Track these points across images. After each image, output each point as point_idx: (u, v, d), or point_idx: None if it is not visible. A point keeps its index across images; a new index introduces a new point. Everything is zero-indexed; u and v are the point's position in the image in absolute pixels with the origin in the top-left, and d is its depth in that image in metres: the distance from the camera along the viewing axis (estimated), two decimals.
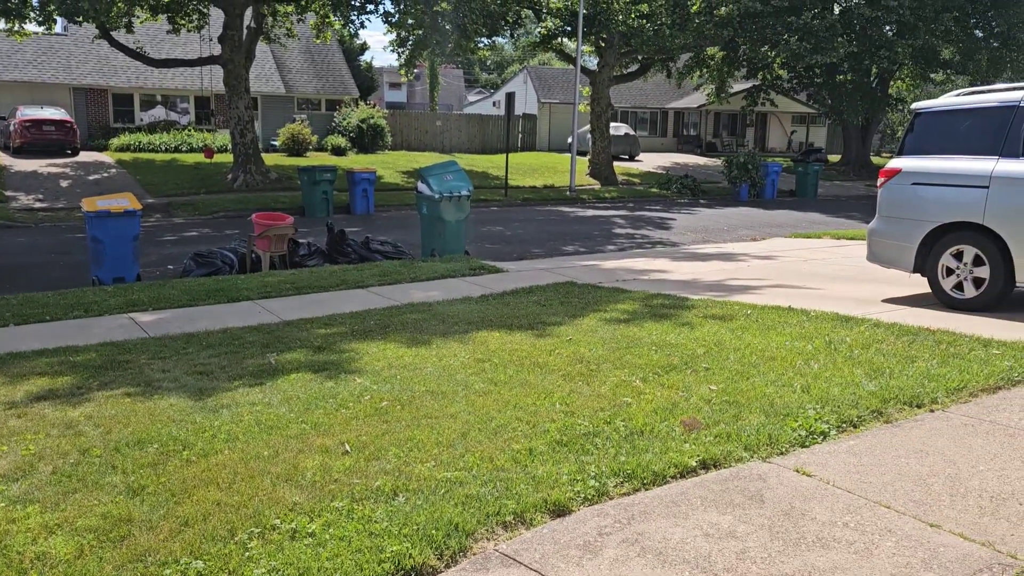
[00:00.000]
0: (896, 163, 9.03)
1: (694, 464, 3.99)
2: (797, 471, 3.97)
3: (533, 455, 4.12)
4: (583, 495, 3.66)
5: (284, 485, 3.79)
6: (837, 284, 10.06)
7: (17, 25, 20.99)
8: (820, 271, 11.37)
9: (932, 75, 35.05)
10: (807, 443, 4.35)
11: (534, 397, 5.13)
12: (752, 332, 6.90)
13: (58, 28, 24.72)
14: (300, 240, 12.71)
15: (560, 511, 3.54)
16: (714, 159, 38.59)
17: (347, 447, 4.28)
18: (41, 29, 21.88)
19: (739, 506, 3.58)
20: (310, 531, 3.31)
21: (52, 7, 19.48)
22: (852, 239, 15.31)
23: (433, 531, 3.27)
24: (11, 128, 27.39)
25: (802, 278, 10.63)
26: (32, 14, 20.50)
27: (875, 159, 40.08)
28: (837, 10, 29.49)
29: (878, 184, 9.26)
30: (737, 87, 37.72)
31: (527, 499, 3.57)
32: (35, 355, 6.79)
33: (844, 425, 4.61)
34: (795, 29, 26.33)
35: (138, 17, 23.13)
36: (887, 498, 3.69)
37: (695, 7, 25.75)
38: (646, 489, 3.75)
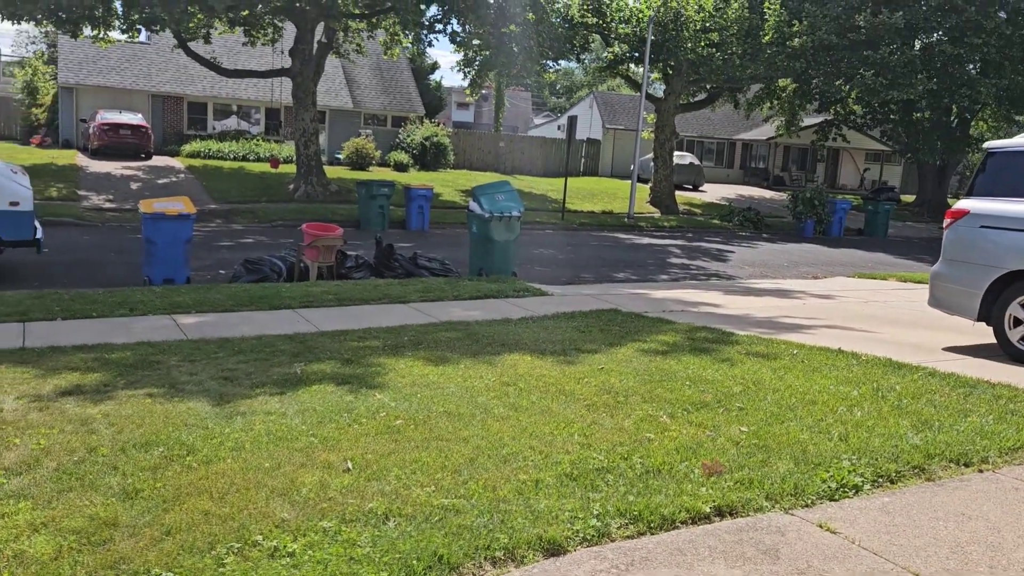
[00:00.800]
0: (964, 204, 8.57)
1: (708, 510, 3.74)
2: (821, 526, 3.68)
3: (539, 487, 3.92)
4: (582, 534, 3.44)
5: (277, 500, 3.68)
6: (896, 328, 9.58)
7: (102, 32, 21.87)
8: (879, 314, 10.88)
9: (1018, 116, 33.69)
10: (836, 496, 4.05)
11: (553, 426, 4.93)
12: (795, 373, 6.56)
13: (141, 37, 25.69)
14: (349, 252, 12.77)
15: (555, 550, 3.33)
16: (780, 193, 37.76)
17: (349, 464, 4.15)
18: (124, 37, 22.75)
19: (750, 560, 3.32)
20: (290, 551, 3.18)
21: (135, 16, 20.24)
22: (919, 282, 14.66)
23: (415, 562, 3.10)
24: (90, 130, 28.51)
25: (859, 320, 10.17)
26: (116, 23, 21.33)
27: (952, 201, 38.63)
28: (917, 45, 28.65)
29: (944, 226, 8.80)
30: (808, 120, 36.93)
31: (522, 534, 3.37)
32: (74, 350, 6.89)
33: (880, 480, 4.29)
34: (871, 63, 25.63)
35: (216, 29, 23.86)
36: (917, 564, 3.37)
37: (767, 37, 25.31)
38: (652, 534, 3.52)
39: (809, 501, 3.97)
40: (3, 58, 55.58)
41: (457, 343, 7.60)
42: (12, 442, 4.39)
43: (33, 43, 57.26)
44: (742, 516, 3.76)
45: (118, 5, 20.27)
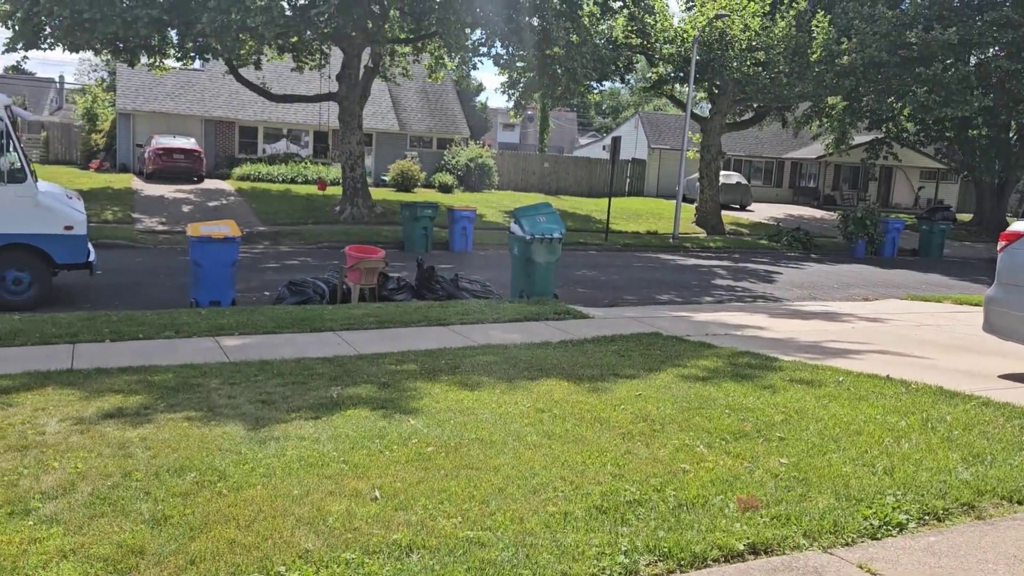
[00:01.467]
0: (1020, 225, 8.27)
1: (742, 548, 3.61)
2: (861, 567, 3.53)
3: (567, 520, 3.84)
4: (608, 571, 3.35)
5: (303, 529, 3.67)
6: (949, 354, 9.25)
7: (158, 60, 22.59)
8: (933, 338, 10.53)
9: None
10: (879, 535, 3.88)
11: (585, 455, 4.85)
12: (840, 401, 6.36)
13: (195, 64, 26.47)
14: (391, 274, 12.86)
15: None
16: (831, 213, 37.05)
17: (377, 493, 4.12)
18: (179, 65, 23.46)
19: None
20: None
21: (189, 45, 20.85)
22: (975, 305, 14.17)
23: None
24: (146, 155, 29.39)
25: (911, 345, 9.85)
26: (172, 51, 22.01)
27: (1011, 220, 37.45)
28: (972, 61, 27.97)
29: (999, 248, 8.49)
30: (859, 139, 36.25)
31: (546, 570, 3.30)
32: (119, 372, 7.03)
33: (926, 517, 4.10)
34: (924, 80, 25.08)
35: (266, 55, 24.45)
36: None
37: (815, 56, 24.96)
38: (682, 572, 3.41)
39: (849, 539, 3.81)
40: (66, 86, 57.78)
41: (494, 367, 7.55)
42: (51, 465, 4.47)
43: (94, 71, 59.45)
44: (778, 555, 3.63)
45: (173, 34, 20.92)
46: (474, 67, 26.30)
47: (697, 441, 5.21)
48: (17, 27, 18.82)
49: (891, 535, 3.90)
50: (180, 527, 3.66)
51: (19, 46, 19.11)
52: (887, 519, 4.02)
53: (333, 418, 5.65)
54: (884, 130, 31.46)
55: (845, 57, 24.32)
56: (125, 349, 8.08)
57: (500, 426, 5.47)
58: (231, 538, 3.54)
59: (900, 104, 27.53)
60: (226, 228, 11.28)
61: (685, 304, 14.32)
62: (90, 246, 11.65)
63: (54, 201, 11.30)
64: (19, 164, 10.82)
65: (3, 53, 19.88)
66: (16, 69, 22.49)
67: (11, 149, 10.76)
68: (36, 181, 11.12)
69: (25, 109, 11.56)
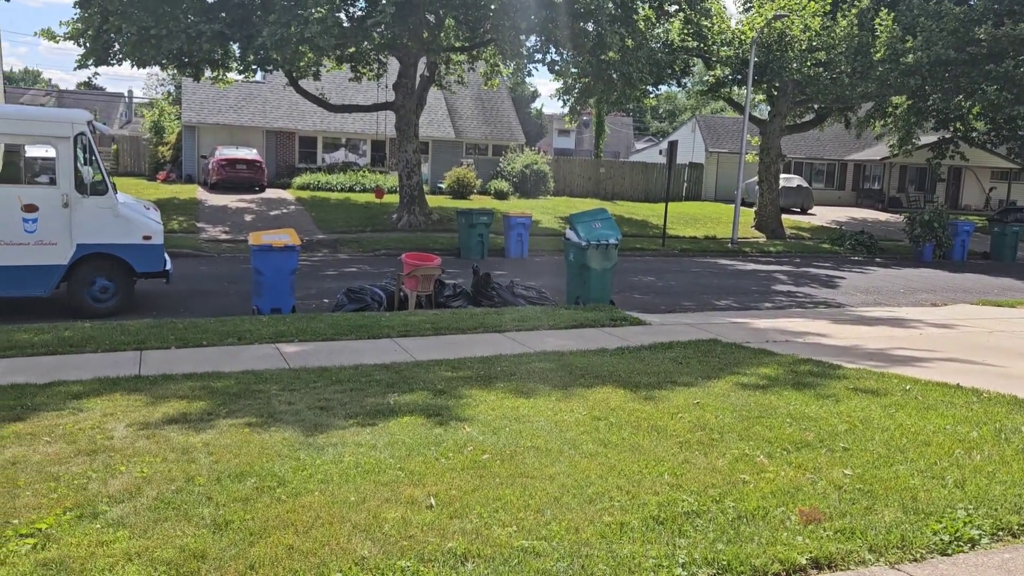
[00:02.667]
0: None
1: (804, 562, 3.51)
2: None
3: (623, 531, 3.79)
4: None
5: (359, 536, 3.70)
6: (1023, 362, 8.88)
7: (221, 74, 23.22)
8: (1006, 345, 10.12)
9: None
10: (949, 550, 3.73)
11: (642, 464, 4.78)
12: (907, 411, 6.15)
13: (257, 77, 27.13)
14: (447, 281, 12.95)
15: None
16: (897, 215, 36.00)
17: (432, 501, 4.13)
18: (241, 77, 24.08)
19: None
20: None
21: (250, 58, 21.38)
22: None
23: None
24: (210, 166, 30.24)
25: (982, 352, 9.49)
26: (234, 64, 22.61)
27: None
28: None
29: None
30: (925, 139, 35.14)
31: None
32: (183, 378, 7.22)
33: (1000, 533, 3.93)
34: (994, 78, 24.19)
35: (324, 67, 24.92)
36: None
37: (879, 55, 24.29)
38: None
39: (918, 555, 3.67)
40: (134, 100, 59.87)
41: (550, 374, 7.53)
42: (119, 470, 4.61)
43: (161, 85, 61.52)
44: (841, 569, 3.51)
45: (235, 48, 21.49)
46: (529, 74, 26.36)
47: (757, 451, 5.09)
48: (88, 44, 19.58)
49: (962, 551, 3.75)
50: (240, 532, 3.73)
51: (90, 62, 19.88)
52: (958, 534, 3.86)
53: (390, 424, 5.69)
54: (952, 130, 30.43)
55: (910, 56, 23.59)
56: (189, 356, 8.29)
57: (556, 434, 5.44)
58: (289, 544, 3.59)
59: (969, 103, 26.59)
60: (286, 237, 11.51)
61: (744, 310, 14.06)
62: (166, 255, 12.09)
63: (133, 212, 11.73)
64: (100, 177, 11.28)
65: (75, 69, 20.75)
66: (88, 85, 23.40)
67: (93, 163, 11.25)
68: (116, 193, 11.60)
69: (103, 124, 12.12)
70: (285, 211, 25.85)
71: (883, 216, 36.71)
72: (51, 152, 11.09)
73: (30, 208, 10.70)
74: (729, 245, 24.69)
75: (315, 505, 4.05)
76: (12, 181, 11.04)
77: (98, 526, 3.78)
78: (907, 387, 7.03)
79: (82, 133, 10.97)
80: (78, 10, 19.47)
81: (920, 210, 31.88)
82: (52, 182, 11.03)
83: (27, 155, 11.46)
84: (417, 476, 4.54)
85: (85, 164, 11.11)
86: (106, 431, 5.41)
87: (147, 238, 11.51)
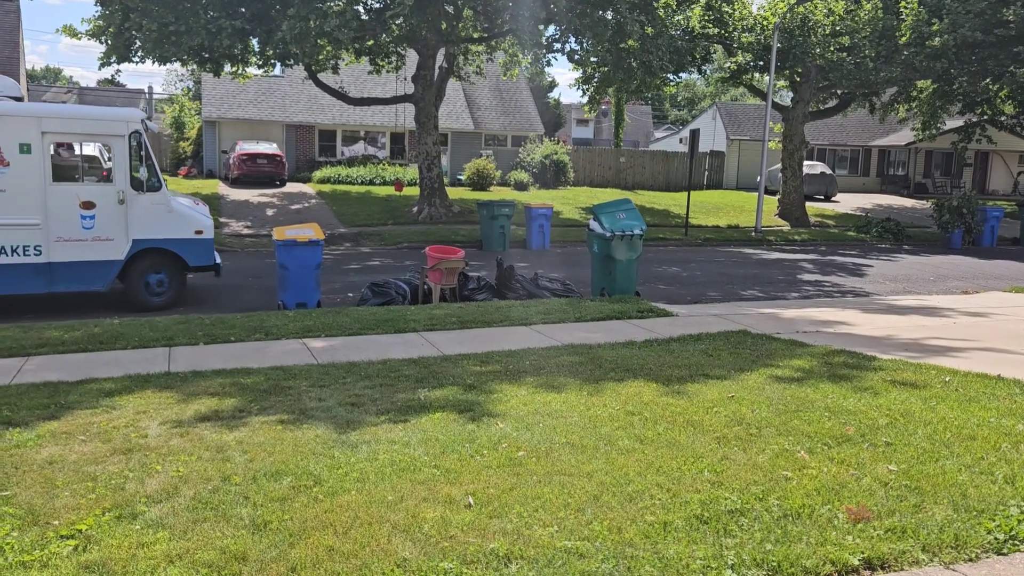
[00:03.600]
0: None
1: (856, 563, 3.42)
2: None
3: (667, 530, 3.71)
4: None
5: (399, 536, 3.65)
6: None
7: (241, 69, 23.25)
8: None
9: None
10: (1004, 550, 3.62)
11: (680, 461, 4.70)
12: (948, 404, 6.02)
13: (276, 71, 27.14)
14: (471, 274, 12.89)
15: None
16: (923, 202, 35.49)
17: (471, 500, 4.08)
18: (260, 72, 24.10)
19: None
20: None
21: (269, 52, 21.38)
22: None
23: None
24: (230, 161, 30.36)
25: (1019, 341, 9.30)
26: (253, 59, 22.63)
27: None
28: None
29: None
30: (951, 123, 34.59)
31: None
32: (213, 374, 7.22)
33: None
34: (1023, 60, 23.70)
35: (343, 60, 24.89)
36: None
37: (904, 38, 23.86)
38: None
39: (973, 555, 3.57)
40: (154, 96, 60.24)
41: (580, 368, 7.46)
42: (155, 469, 4.59)
43: (180, 81, 61.82)
44: (895, 570, 3.42)
45: (255, 43, 21.49)
46: (548, 64, 26.05)
47: (797, 446, 4.99)
48: (110, 41, 19.67)
49: (1019, 550, 3.64)
50: (280, 533, 3.70)
51: (112, 59, 19.96)
52: (1013, 533, 3.75)
53: (422, 421, 5.65)
54: (979, 113, 29.90)
55: (936, 39, 23.15)
56: (218, 352, 8.30)
57: (590, 430, 5.37)
58: (329, 545, 3.55)
59: (997, 86, 26.08)
60: (310, 231, 11.49)
61: (771, 300, 13.89)
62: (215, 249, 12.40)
63: (185, 207, 12.10)
64: (154, 173, 11.61)
65: (99, 68, 20.85)
66: (110, 82, 23.51)
67: (147, 160, 11.57)
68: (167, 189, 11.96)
69: (151, 122, 12.49)
70: (306, 205, 25.89)
71: (909, 202, 36.19)
72: (107, 150, 11.41)
73: (87, 205, 11.04)
74: (753, 234, 24.43)
75: (353, 505, 4.01)
76: (70, 179, 11.35)
77: (138, 527, 3.76)
78: (946, 379, 6.89)
79: (136, 131, 11.31)
80: (99, 8, 19.55)
81: (947, 196, 31.40)
82: (109, 179, 11.32)
83: (84, 153, 11.79)
84: (453, 474, 4.49)
85: (139, 161, 11.46)
86: (140, 429, 5.41)
87: (199, 232, 11.87)
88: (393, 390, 6.62)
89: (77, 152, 11.79)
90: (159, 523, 3.82)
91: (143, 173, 11.49)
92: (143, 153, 11.49)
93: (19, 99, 11.57)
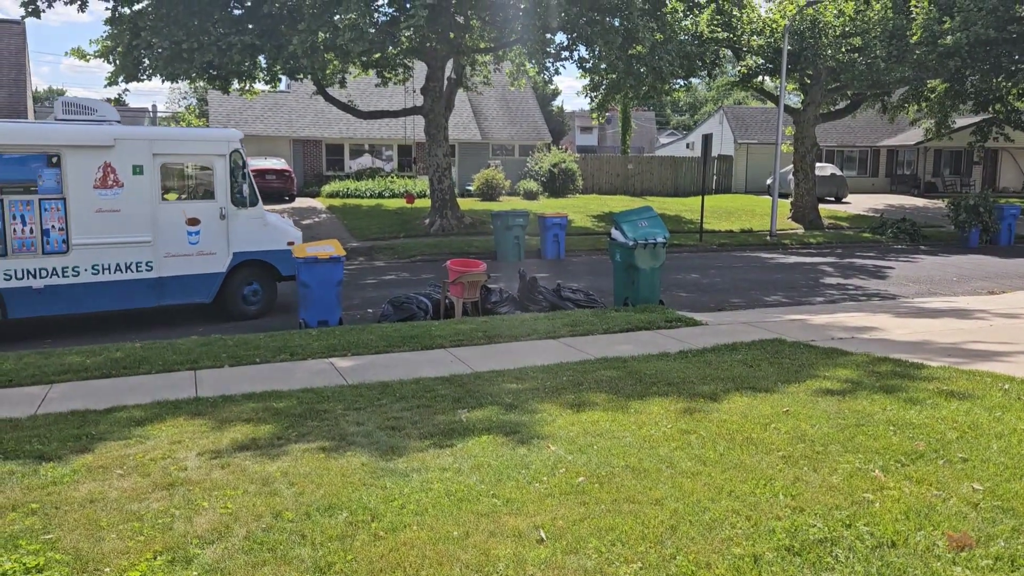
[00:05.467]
0: None
1: None
2: None
3: (758, 564, 3.48)
4: None
5: None
6: None
7: (249, 85, 23.13)
8: None
9: None
10: None
11: (752, 484, 4.47)
12: (1015, 413, 5.79)
13: (282, 86, 27.03)
14: (492, 286, 12.68)
15: None
16: (934, 200, 35.22)
17: (542, 534, 3.86)
18: (267, 88, 23.98)
19: None
20: None
21: (277, 67, 21.26)
22: None
23: None
24: None
25: None
26: (261, 75, 22.51)
27: None
28: None
29: None
30: (962, 121, 34.36)
31: None
32: (243, 399, 7.01)
33: None
34: None
35: (351, 73, 24.74)
36: None
37: (915, 37, 23.66)
38: None
39: None
40: (158, 114, 60.30)
41: (619, 383, 7.23)
42: (201, 505, 4.38)
43: (184, 98, 61.88)
44: None
45: (262, 59, 21.36)
46: (556, 72, 25.72)
47: (869, 464, 4.76)
48: (118, 61, 19.55)
49: None
50: None
51: (120, 78, 19.84)
52: None
53: (468, 444, 5.43)
54: (992, 111, 29.65)
55: (948, 37, 22.95)
56: (244, 374, 8.10)
57: (647, 451, 5.14)
58: None
59: (1011, 83, 25.86)
60: (331, 248, 11.30)
61: (796, 305, 13.66)
62: None
63: (277, 220, 12.86)
64: (251, 190, 12.24)
65: (106, 86, 20.69)
66: (116, 101, 23.38)
67: (245, 177, 12.16)
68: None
69: None
70: (317, 220, 25.73)
71: (920, 202, 35.93)
72: (209, 169, 11.99)
73: (193, 221, 11.70)
74: (768, 238, 24.20)
75: (418, 542, 3.79)
76: (177, 197, 11.90)
77: (194, 573, 3.54)
78: (1005, 386, 6.66)
79: (236, 150, 12.00)
80: (108, 27, 19.44)
81: (960, 194, 31.13)
82: (211, 196, 11.89)
83: (189, 172, 12.30)
84: (515, 504, 4.27)
85: (243, 179, 12.15)
86: (178, 461, 5.20)
87: (290, 244, 12.45)
88: (431, 411, 6.41)
89: (182, 171, 12.28)
90: (216, 568, 3.60)
91: (243, 190, 12.08)
92: (243, 171, 12.12)
93: (119, 122, 11.87)
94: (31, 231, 10.63)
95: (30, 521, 4.17)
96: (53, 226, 10.75)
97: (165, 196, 11.56)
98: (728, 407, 6.20)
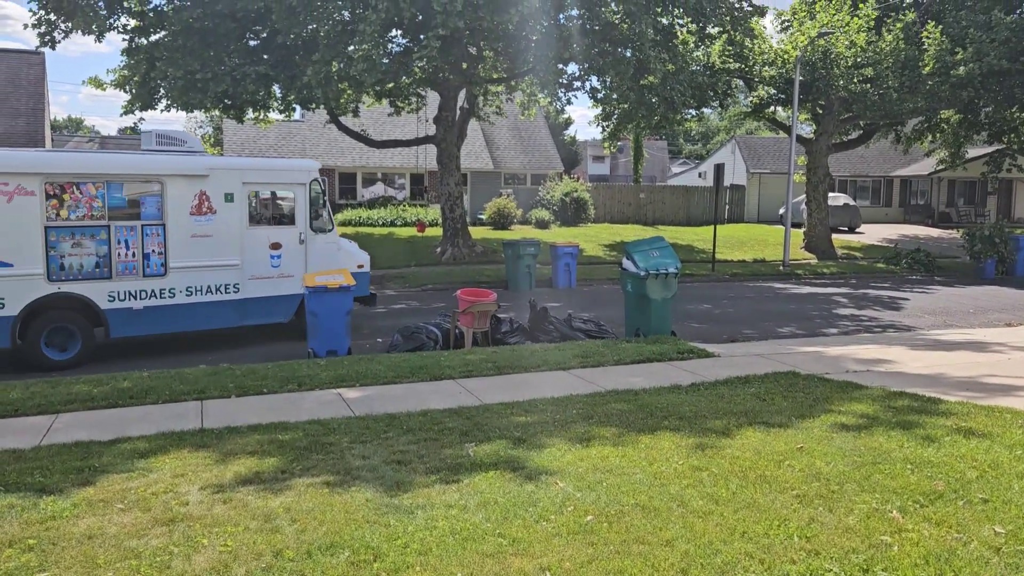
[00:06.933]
0: None
1: None
2: None
3: None
4: None
5: None
6: None
7: (263, 114, 23.35)
8: None
9: None
10: None
11: (765, 524, 4.34)
12: None
13: (296, 115, 27.25)
14: (502, 316, 12.60)
15: None
16: (949, 231, 34.98)
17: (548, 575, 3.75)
18: (282, 117, 24.20)
19: None
20: None
21: (292, 97, 21.46)
22: None
23: None
24: None
25: None
26: (275, 104, 22.72)
27: None
28: None
29: None
30: (976, 152, 34.22)
31: None
32: (249, 431, 6.94)
33: None
34: None
35: (364, 102, 24.93)
36: None
37: (927, 68, 23.66)
38: None
39: None
40: None
41: (630, 416, 7.12)
42: (201, 542, 4.29)
43: (200, 127, 62.62)
44: None
45: (276, 88, 21.57)
46: (568, 102, 25.68)
47: (887, 505, 4.62)
48: (134, 90, 19.79)
49: None
50: None
51: (136, 107, 20.07)
52: None
53: (475, 480, 5.33)
54: (1006, 142, 29.53)
55: (961, 68, 22.93)
56: (251, 405, 8.03)
57: (658, 488, 5.02)
58: None
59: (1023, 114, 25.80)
60: (340, 277, 11.26)
61: (810, 337, 13.50)
62: None
63: (349, 245, 13.62)
64: (327, 216, 12.98)
65: (122, 115, 20.95)
66: (131, 130, 23.66)
67: (322, 204, 12.88)
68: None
69: None
70: None
71: (935, 232, 35.70)
72: (291, 196, 12.70)
73: (275, 246, 12.38)
74: (781, 268, 24.06)
75: None
76: (261, 223, 12.53)
77: None
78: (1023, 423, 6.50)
79: (315, 179, 12.70)
80: (125, 58, 19.71)
81: (975, 224, 30.91)
82: (291, 222, 12.58)
83: (272, 199, 13.04)
84: (522, 544, 4.16)
85: (324, 206, 12.88)
86: (180, 495, 5.12)
87: (360, 267, 13.24)
88: (438, 445, 6.31)
89: (266, 198, 13.03)
90: None
91: (320, 216, 12.78)
92: (323, 199, 12.85)
93: (200, 152, 12.46)
94: (133, 255, 11.20)
95: (26, 558, 4.09)
96: (153, 250, 11.34)
97: (252, 222, 12.20)
98: (741, 443, 6.07)
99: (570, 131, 67.28)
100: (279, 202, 12.99)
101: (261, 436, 6.72)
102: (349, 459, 5.95)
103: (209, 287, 11.76)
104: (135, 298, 11.23)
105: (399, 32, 21.03)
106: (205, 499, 5.05)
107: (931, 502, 4.65)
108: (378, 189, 35.58)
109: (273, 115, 24.15)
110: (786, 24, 28.42)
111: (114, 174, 11.02)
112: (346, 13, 18.86)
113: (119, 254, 11.07)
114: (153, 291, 11.35)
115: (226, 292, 11.92)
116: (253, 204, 12.43)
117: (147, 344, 12.10)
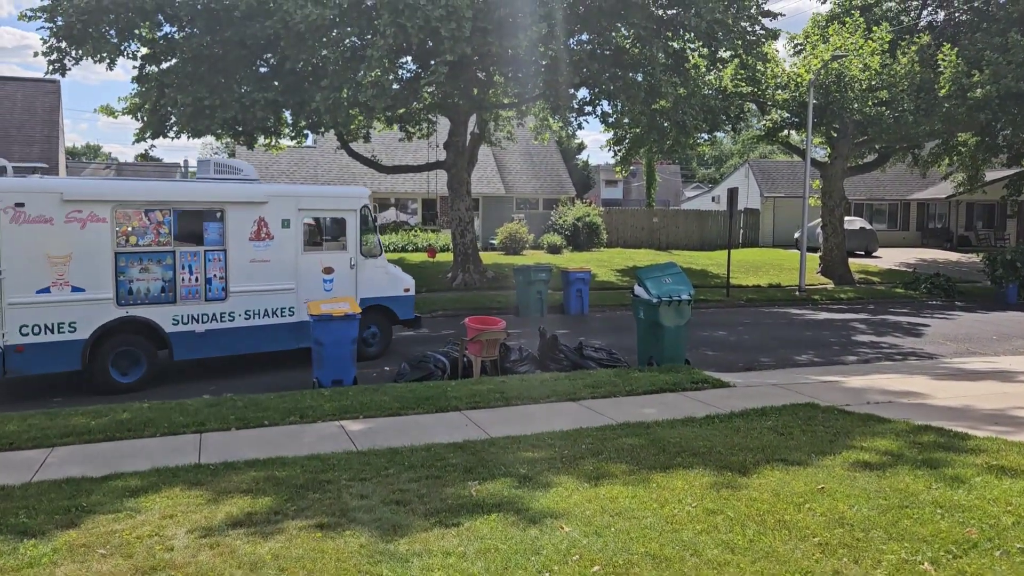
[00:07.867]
0: None
1: None
2: None
3: None
4: None
5: None
6: None
7: (274, 140, 23.35)
8: None
9: None
10: None
11: None
12: None
13: (308, 141, 27.26)
14: (511, 344, 12.33)
15: None
16: (968, 255, 34.43)
17: None
18: (293, 143, 24.20)
19: None
20: None
21: (303, 123, 21.44)
22: None
23: None
24: None
25: None
26: (286, 130, 22.71)
27: None
28: None
29: None
30: (995, 175, 33.78)
31: None
32: (246, 466, 6.70)
33: None
34: None
35: (375, 128, 24.89)
36: None
37: (944, 91, 23.36)
38: None
39: None
40: (190, 169, 61.48)
41: (641, 452, 6.81)
42: None
43: (216, 153, 63.09)
44: None
45: (287, 114, 21.57)
46: (579, 127, 25.76)
47: (917, 555, 4.30)
48: (145, 118, 19.82)
49: None
50: None
51: (147, 135, 20.09)
52: None
53: (476, 524, 5.04)
54: None
55: (979, 90, 22.62)
56: (251, 438, 7.79)
57: (669, 535, 4.72)
58: None
59: None
60: (346, 305, 11.05)
61: (828, 365, 13.14)
62: None
63: (394, 269, 13.96)
64: (376, 241, 13.44)
65: (133, 143, 20.96)
66: (145, 156, 23.73)
67: (372, 230, 13.35)
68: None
69: None
70: None
71: (954, 256, 35.17)
72: (343, 222, 13.00)
73: (328, 270, 12.75)
74: (797, 293, 23.67)
75: None
76: (315, 248, 12.87)
77: None
78: None
79: (365, 205, 13.15)
80: (136, 85, 19.77)
81: (995, 248, 30.42)
82: (343, 247, 12.95)
83: (326, 225, 13.28)
84: None
85: (374, 232, 13.36)
86: (165, 540, 4.86)
87: (406, 290, 13.75)
88: (440, 483, 6.03)
89: (319, 224, 13.25)
90: None
91: (370, 241, 13.22)
92: (373, 225, 13.33)
93: (257, 180, 12.75)
94: (196, 279, 11.54)
95: None
96: (215, 275, 11.68)
97: (306, 247, 12.55)
98: (758, 483, 5.75)
99: (582, 155, 67.28)
100: (332, 228, 13.26)
101: (258, 472, 6.47)
102: (346, 499, 5.68)
103: (267, 311, 12.09)
104: (198, 321, 11.53)
105: (409, 58, 21.01)
106: (191, 544, 4.79)
107: (965, 552, 4.32)
108: (390, 214, 35.54)
109: (284, 141, 24.14)
110: (799, 48, 28.24)
111: (180, 201, 11.39)
112: (355, 39, 18.84)
113: (183, 279, 11.42)
114: (214, 315, 11.65)
115: (282, 315, 12.23)
116: (307, 229, 12.75)
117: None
